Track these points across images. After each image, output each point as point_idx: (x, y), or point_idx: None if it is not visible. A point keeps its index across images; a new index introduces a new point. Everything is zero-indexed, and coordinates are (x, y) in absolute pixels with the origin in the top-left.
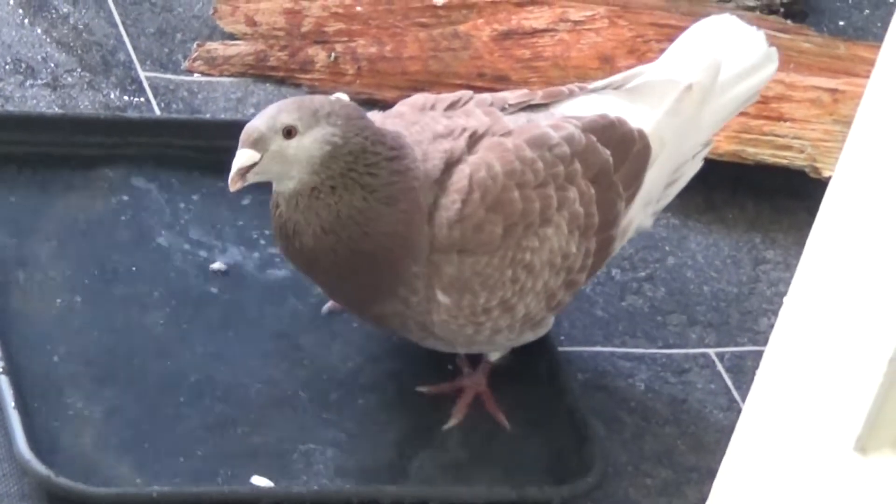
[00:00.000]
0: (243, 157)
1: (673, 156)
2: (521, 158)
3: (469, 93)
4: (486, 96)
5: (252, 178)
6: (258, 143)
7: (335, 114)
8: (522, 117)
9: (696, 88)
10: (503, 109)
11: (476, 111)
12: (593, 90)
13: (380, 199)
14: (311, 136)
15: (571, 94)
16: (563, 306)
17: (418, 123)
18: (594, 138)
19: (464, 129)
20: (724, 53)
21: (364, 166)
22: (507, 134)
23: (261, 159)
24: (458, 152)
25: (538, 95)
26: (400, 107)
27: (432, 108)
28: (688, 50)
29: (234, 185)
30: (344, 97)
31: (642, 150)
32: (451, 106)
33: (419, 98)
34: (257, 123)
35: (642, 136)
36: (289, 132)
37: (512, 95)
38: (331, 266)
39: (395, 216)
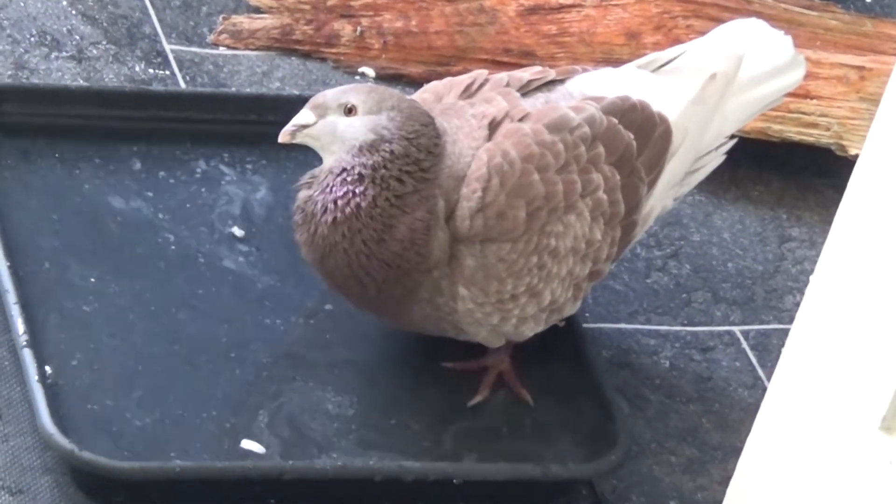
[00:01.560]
0: (302, 116)
1: (695, 144)
2: (539, 142)
3: (483, 73)
4: (503, 76)
5: (301, 138)
6: (319, 109)
7: (398, 109)
8: (541, 98)
9: (720, 77)
10: (521, 89)
11: (496, 97)
12: None
13: (399, 206)
14: (365, 120)
15: (586, 71)
16: (586, 295)
17: (453, 117)
18: (615, 120)
19: (483, 117)
20: (751, 52)
21: (398, 170)
22: (526, 118)
23: (314, 123)
24: (481, 143)
25: (553, 73)
26: (423, 93)
27: (449, 94)
28: (713, 44)
29: (283, 136)
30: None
31: (664, 134)
32: (466, 90)
33: (439, 86)
34: (327, 93)
35: (663, 119)
36: (349, 110)
37: (527, 74)
38: (344, 266)
39: (411, 224)
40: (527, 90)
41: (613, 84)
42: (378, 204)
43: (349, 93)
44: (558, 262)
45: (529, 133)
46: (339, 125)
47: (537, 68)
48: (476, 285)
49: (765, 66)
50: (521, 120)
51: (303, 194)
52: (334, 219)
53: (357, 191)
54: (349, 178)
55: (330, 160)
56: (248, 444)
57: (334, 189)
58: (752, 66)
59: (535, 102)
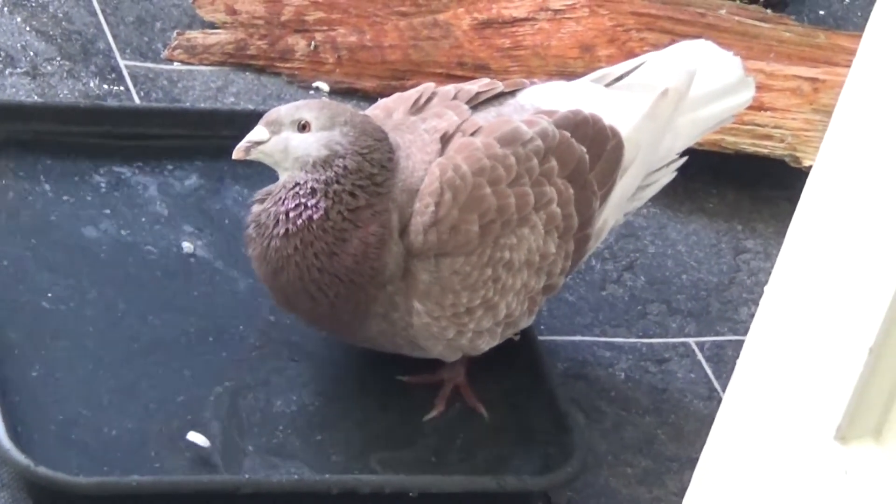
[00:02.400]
0: (256, 132)
1: (647, 159)
2: (491, 156)
3: (431, 86)
4: (450, 89)
5: (255, 154)
6: (272, 125)
7: (351, 124)
8: (492, 111)
9: (671, 93)
10: (469, 101)
11: (447, 112)
12: None
13: (352, 219)
14: (318, 136)
15: (534, 84)
16: (540, 308)
17: (406, 132)
18: (568, 134)
19: (435, 131)
20: (701, 72)
21: (351, 184)
22: (477, 132)
23: (268, 140)
24: (434, 157)
25: (501, 86)
26: (374, 110)
27: (399, 109)
28: (664, 62)
29: (237, 153)
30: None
31: (616, 148)
32: (415, 104)
33: (389, 102)
34: (280, 109)
35: (615, 133)
36: (303, 126)
37: (476, 86)
38: (296, 280)
39: (364, 238)
40: (476, 102)
41: (565, 97)
42: (330, 217)
43: (302, 109)
44: (513, 275)
45: (481, 147)
46: (293, 141)
47: (486, 80)
48: (431, 299)
49: (715, 85)
50: (472, 134)
51: (256, 208)
52: (286, 230)
53: (309, 203)
54: (301, 192)
55: (284, 176)
56: (194, 436)
57: (286, 202)
58: (703, 85)
59: (486, 116)
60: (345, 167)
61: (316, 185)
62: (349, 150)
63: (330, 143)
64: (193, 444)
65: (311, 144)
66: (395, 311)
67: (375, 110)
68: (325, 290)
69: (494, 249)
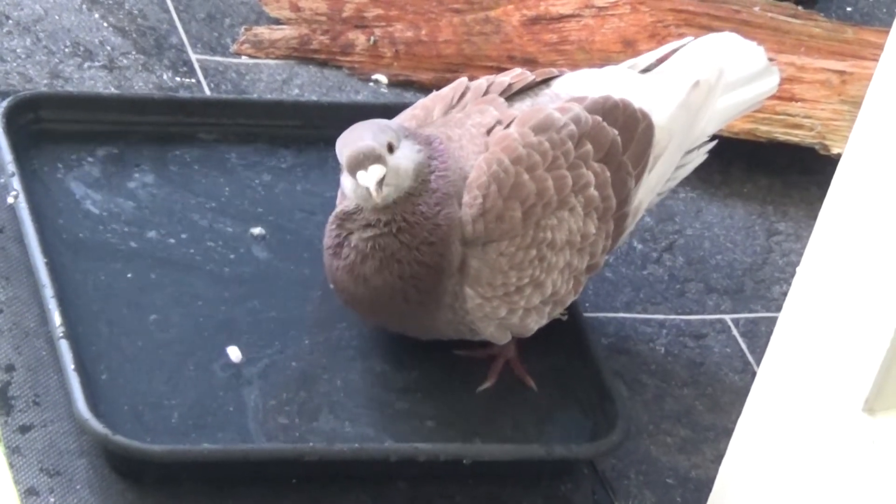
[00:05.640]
0: (374, 172)
1: (680, 145)
2: (526, 144)
3: (464, 82)
4: (482, 83)
5: (386, 191)
6: (379, 159)
7: (403, 130)
8: (527, 101)
9: (703, 84)
10: (503, 92)
11: (489, 109)
12: None
13: (439, 203)
14: (405, 148)
15: (563, 74)
16: (584, 287)
17: (455, 127)
18: (600, 118)
19: (481, 126)
20: (729, 62)
21: (436, 175)
22: (512, 122)
23: (385, 173)
24: (482, 149)
25: (531, 75)
26: (414, 110)
27: (436, 108)
28: (695, 54)
29: (378, 196)
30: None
31: (646, 129)
32: (451, 101)
33: (427, 102)
34: (368, 144)
35: (645, 115)
36: (390, 147)
37: (508, 77)
38: (395, 279)
39: (435, 225)
40: (510, 93)
41: (598, 85)
42: (430, 207)
43: (377, 135)
44: (556, 254)
45: (517, 137)
46: (400, 161)
47: (517, 71)
48: (482, 282)
49: (741, 74)
50: (508, 125)
51: (347, 223)
52: (400, 228)
53: (419, 204)
54: (413, 198)
55: (394, 193)
56: (231, 350)
57: (403, 210)
58: (731, 74)
59: (521, 106)
60: (435, 164)
61: (423, 187)
62: (421, 149)
63: (413, 148)
64: (253, 415)
65: (408, 156)
66: (456, 300)
67: (416, 110)
68: (418, 285)
69: (537, 231)
